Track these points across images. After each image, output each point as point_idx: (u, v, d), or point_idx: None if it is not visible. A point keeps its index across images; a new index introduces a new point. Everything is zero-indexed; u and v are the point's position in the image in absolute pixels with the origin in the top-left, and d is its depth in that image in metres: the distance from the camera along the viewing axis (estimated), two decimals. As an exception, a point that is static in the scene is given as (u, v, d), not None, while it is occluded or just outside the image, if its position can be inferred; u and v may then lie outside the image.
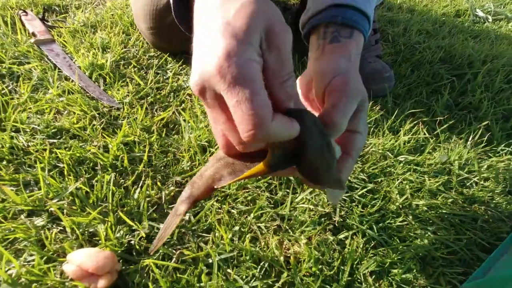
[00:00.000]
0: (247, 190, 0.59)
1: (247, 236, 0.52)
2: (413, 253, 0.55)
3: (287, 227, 0.55)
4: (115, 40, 0.82)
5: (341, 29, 0.37)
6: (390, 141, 0.73)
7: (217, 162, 0.29)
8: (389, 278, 0.52)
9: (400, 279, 0.52)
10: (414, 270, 0.54)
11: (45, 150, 0.56)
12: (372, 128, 0.77)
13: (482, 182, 0.70)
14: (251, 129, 0.21)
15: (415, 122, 0.80)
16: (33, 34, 0.77)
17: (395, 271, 0.53)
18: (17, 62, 0.71)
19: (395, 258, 0.54)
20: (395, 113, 0.80)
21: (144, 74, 0.77)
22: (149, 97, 0.72)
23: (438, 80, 0.96)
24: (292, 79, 0.24)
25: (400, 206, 0.62)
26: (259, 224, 0.54)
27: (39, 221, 0.49)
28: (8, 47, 0.72)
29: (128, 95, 0.70)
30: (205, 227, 0.53)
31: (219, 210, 0.55)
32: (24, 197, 0.50)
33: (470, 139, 0.78)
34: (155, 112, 0.69)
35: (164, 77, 0.78)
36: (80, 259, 0.44)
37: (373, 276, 0.52)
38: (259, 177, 0.24)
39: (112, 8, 0.95)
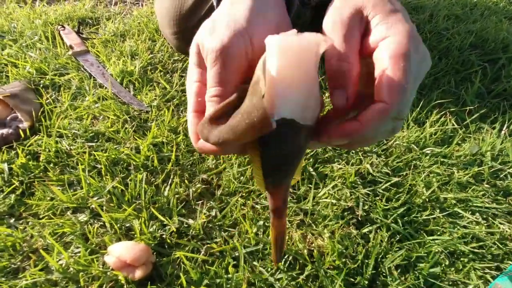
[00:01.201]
0: (270, 186, 0.60)
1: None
2: (441, 247, 0.54)
3: (310, 221, 0.56)
4: (142, 47, 0.87)
5: None
6: (415, 133, 0.72)
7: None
8: (416, 272, 0.52)
9: (427, 273, 0.52)
10: (443, 265, 0.54)
11: (85, 152, 0.61)
12: (397, 121, 0.76)
13: (517, 174, 0.66)
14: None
15: (442, 113, 0.77)
16: (71, 47, 0.84)
17: (422, 265, 0.53)
18: (58, 73, 0.78)
19: (422, 252, 0.54)
20: (421, 104, 0.78)
21: (170, 78, 0.82)
22: (175, 99, 0.75)
23: (468, 67, 0.91)
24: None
25: (427, 200, 0.61)
26: (282, 219, 0.56)
27: (82, 217, 0.54)
28: (50, 60, 0.79)
29: (155, 99, 0.74)
30: (231, 222, 0.56)
31: (243, 207, 0.58)
32: (69, 195, 0.55)
33: (504, 128, 0.74)
34: (181, 114, 0.73)
35: (188, 80, 0.82)
36: (119, 251, 0.48)
37: (399, 270, 0.52)
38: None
39: (139, 17, 1.00)
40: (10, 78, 0.74)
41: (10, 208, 0.54)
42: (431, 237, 0.56)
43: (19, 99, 0.67)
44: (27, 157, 0.60)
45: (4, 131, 0.62)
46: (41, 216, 0.54)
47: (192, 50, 0.29)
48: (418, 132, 0.72)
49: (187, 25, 0.78)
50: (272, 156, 0.24)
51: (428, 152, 0.69)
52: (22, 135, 0.63)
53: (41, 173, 0.59)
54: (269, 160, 0.24)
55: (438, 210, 0.60)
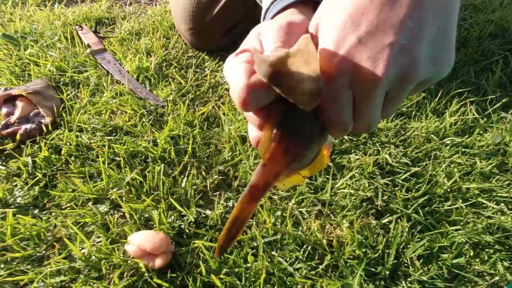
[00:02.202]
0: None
1: (289, 220, 0.53)
2: (465, 238, 0.53)
3: (329, 212, 0.56)
4: (157, 44, 0.88)
5: None
6: (434, 123, 0.70)
7: None
8: (439, 263, 0.51)
9: (450, 264, 0.50)
10: (467, 256, 0.52)
11: (104, 146, 0.63)
12: (414, 112, 0.74)
13: (544, 163, 0.64)
14: None
15: (462, 103, 0.75)
16: (88, 46, 0.86)
17: (445, 255, 0.51)
18: (77, 71, 0.80)
19: (445, 243, 0.52)
20: (439, 95, 0.76)
21: (184, 73, 0.83)
22: (190, 94, 0.76)
23: (488, 57, 0.88)
24: None
25: (448, 190, 0.60)
26: (300, 209, 0.56)
27: (103, 208, 0.55)
28: (69, 59, 0.82)
29: (171, 94, 0.75)
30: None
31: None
32: (90, 187, 0.57)
33: (528, 117, 0.72)
34: (196, 108, 0.74)
35: (203, 75, 0.83)
36: (139, 241, 0.48)
37: (421, 260, 0.51)
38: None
39: (153, 16, 1.02)
40: (32, 76, 0.77)
41: (34, 199, 0.56)
42: (453, 228, 0.54)
43: (42, 96, 0.69)
44: (50, 150, 0.62)
45: (28, 126, 0.64)
46: (63, 207, 0.55)
47: (252, 35, 0.27)
48: (437, 123, 0.70)
49: (202, 21, 0.79)
50: (291, 131, 0.23)
51: (448, 142, 0.67)
52: (45, 130, 0.65)
53: (63, 166, 0.60)
54: (288, 131, 0.23)
55: (460, 201, 0.58)
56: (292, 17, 0.26)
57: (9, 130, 0.63)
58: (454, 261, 0.50)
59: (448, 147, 0.66)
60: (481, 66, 0.86)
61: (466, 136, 0.68)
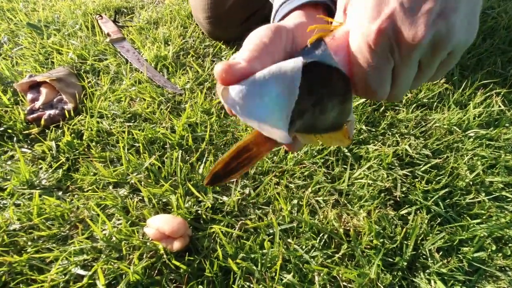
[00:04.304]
0: (304, 166, 0.60)
1: (306, 209, 0.53)
2: (487, 232, 0.51)
3: (345, 202, 0.55)
4: (175, 33, 0.89)
5: None
6: (457, 115, 0.68)
7: None
8: (459, 256, 0.49)
9: (472, 258, 0.49)
10: (489, 250, 0.51)
11: (124, 132, 0.64)
12: (436, 103, 0.72)
13: None
14: None
15: (487, 94, 0.72)
16: (108, 34, 0.87)
17: (466, 249, 0.50)
18: (97, 59, 0.82)
19: (466, 236, 0.51)
20: (463, 86, 0.74)
21: (202, 62, 0.83)
22: (207, 82, 0.76)
23: (516, 47, 0.85)
24: None
25: (471, 183, 0.58)
26: (317, 198, 0.56)
27: (123, 192, 0.57)
28: (90, 47, 0.83)
29: (188, 82, 0.76)
30: (264, 200, 0.56)
31: (277, 186, 0.58)
32: (111, 171, 0.58)
33: (559, 110, 0.69)
34: (214, 96, 0.74)
35: (220, 64, 0.83)
36: (158, 224, 0.49)
37: (440, 253, 0.50)
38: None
39: (170, 5, 1.02)
40: (55, 64, 0.79)
41: (58, 182, 0.58)
42: (475, 221, 0.53)
43: (64, 82, 0.71)
44: (72, 135, 0.64)
45: (52, 111, 0.66)
46: (85, 190, 0.57)
47: None
48: (460, 114, 0.68)
49: (221, 10, 0.79)
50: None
51: (472, 134, 0.65)
52: (67, 116, 0.67)
53: (84, 150, 0.62)
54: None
55: (483, 194, 0.56)
56: (284, 22, 0.27)
57: (34, 115, 0.65)
58: (475, 254, 0.49)
59: (471, 139, 0.64)
60: (508, 56, 0.83)
61: (491, 128, 0.66)
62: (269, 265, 0.48)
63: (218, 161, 0.24)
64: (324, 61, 0.22)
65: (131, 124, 0.66)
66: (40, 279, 0.46)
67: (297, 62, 0.21)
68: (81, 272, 0.47)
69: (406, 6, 0.20)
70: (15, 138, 0.64)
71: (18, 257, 0.47)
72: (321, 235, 0.51)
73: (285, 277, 0.46)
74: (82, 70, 0.79)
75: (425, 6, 0.19)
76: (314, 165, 0.60)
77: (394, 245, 0.50)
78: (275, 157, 0.61)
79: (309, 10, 0.31)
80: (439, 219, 0.53)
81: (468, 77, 0.77)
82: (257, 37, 0.25)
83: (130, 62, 0.80)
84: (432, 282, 0.47)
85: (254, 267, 0.47)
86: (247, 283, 0.46)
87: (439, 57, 0.22)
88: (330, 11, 0.32)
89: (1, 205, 0.54)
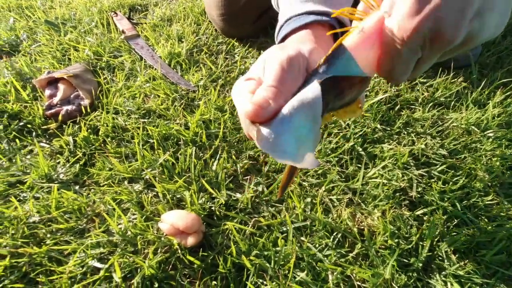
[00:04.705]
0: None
1: (319, 207, 0.53)
2: (506, 234, 0.50)
3: (359, 201, 0.55)
4: (188, 30, 0.89)
5: None
6: (475, 114, 0.66)
7: None
8: (477, 258, 0.48)
9: (490, 260, 0.48)
10: (508, 253, 0.49)
11: (138, 128, 0.65)
12: (453, 102, 0.71)
13: None
14: None
15: (507, 93, 0.70)
16: (123, 32, 0.88)
17: (484, 251, 0.49)
18: (112, 56, 0.83)
19: (484, 238, 0.50)
20: (482, 85, 0.72)
21: (215, 59, 0.83)
22: (220, 79, 0.77)
23: (538, 45, 0.82)
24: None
25: (489, 184, 0.57)
26: (330, 197, 0.55)
27: (137, 187, 0.58)
28: (105, 44, 0.85)
29: (202, 79, 0.76)
30: (278, 198, 0.56)
31: (291, 184, 0.57)
32: (126, 166, 0.59)
33: None
34: (227, 93, 0.74)
35: (233, 61, 0.83)
36: (172, 219, 0.50)
37: (457, 255, 0.49)
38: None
39: (184, 2, 1.03)
40: (72, 61, 0.80)
41: (75, 176, 0.59)
42: (494, 223, 0.51)
43: (81, 79, 0.72)
44: (88, 131, 0.65)
45: (69, 107, 0.67)
46: (101, 184, 0.58)
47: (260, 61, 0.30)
48: (479, 114, 0.66)
49: (234, 7, 0.79)
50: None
51: (491, 134, 0.63)
52: (84, 111, 0.68)
53: (100, 146, 0.63)
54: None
55: (502, 196, 0.55)
56: (299, 46, 0.28)
57: (53, 110, 0.66)
58: (494, 257, 0.48)
59: (490, 139, 0.63)
60: (530, 54, 0.80)
61: (511, 129, 0.64)
62: (282, 262, 0.48)
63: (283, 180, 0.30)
64: (341, 73, 0.24)
65: (145, 120, 0.67)
66: (59, 271, 0.47)
67: (315, 89, 0.23)
68: (98, 265, 0.48)
69: (446, 5, 0.19)
70: (34, 133, 0.65)
71: (37, 249, 0.48)
72: (334, 234, 0.51)
73: (299, 275, 0.46)
74: (98, 67, 0.80)
75: (463, 4, 0.19)
76: (328, 164, 0.60)
77: (409, 246, 0.49)
78: (288, 155, 0.61)
79: (316, 28, 0.31)
80: (455, 220, 0.52)
81: (488, 76, 0.75)
82: (276, 63, 0.26)
83: (144, 59, 0.81)
84: (449, 284, 0.46)
85: (268, 264, 0.47)
86: (260, 280, 0.46)
87: (462, 51, 0.22)
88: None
89: (21, 198, 0.55)
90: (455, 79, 0.75)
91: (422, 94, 0.73)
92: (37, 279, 0.47)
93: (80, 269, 0.47)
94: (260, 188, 0.57)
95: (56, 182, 0.58)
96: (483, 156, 0.60)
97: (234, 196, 0.56)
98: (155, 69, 0.78)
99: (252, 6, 0.82)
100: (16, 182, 0.57)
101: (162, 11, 0.99)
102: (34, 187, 0.56)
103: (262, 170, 0.60)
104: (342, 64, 0.24)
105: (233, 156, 0.61)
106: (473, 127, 0.65)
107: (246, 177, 0.59)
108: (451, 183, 0.56)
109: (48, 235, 0.51)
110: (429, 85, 0.75)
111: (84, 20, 0.93)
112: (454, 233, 0.51)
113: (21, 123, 0.66)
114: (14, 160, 0.60)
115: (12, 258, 0.48)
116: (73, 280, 0.47)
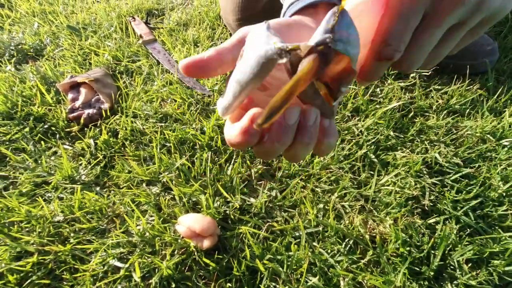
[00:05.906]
0: (330, 170, 0.61)
1: (332, 213, 0.54)
2: (520, 245, 0.50)
3: (372, 208, 0.56)
4: (203, 35, 0.91)
5: None
6: (490, 123, 0.66)
7: None
8: (489, 269, 0.49)
9: (502, 271, 0.48)
10: (521, 264, 0.49)
11: (156, 132, 0.67)
12: (468, 110, 0.70)
13: None
14: None
15: (525, 101, 0.69)
16: (140, 36, 0.91)
17: (497, 262, 0.49)
18: (130, 60, 0.85)
19: (497, 249, 0.50)
20: (498, 92, 0.71)
21: (230, 65, 0.85)
22: (235, 85, 0.78)
23: (558, 52, 0.80)
24: None
25: (504, 194, 0.56)
26: (342, 203, 0.56)
27: (155, 189, 0.60)
28: (124, 49, 0.87)
29: (217, 84, 0.78)
30: (291, 203, 0.57)
31: (303, 189, 0.59)
32: (144, 169, 0.61)
33: None
34: (241, 99, 0.76)
35: (247, 66, 0.84)
36: (189, 222, 0.52)
37: (469, 264, 0.49)
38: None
39: (199, 7, 1.05)
40: (92, 65, 0.83)
41: (96, 178, 0.62)
42: (508, 234, 0.51)
43: (101, 83, 0.75)
44: (109, 134, 0.67)
45: (90, 111, 0.70)
46: (121, 186, 0.61)
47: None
48: (495, 122, 0.66)
49: (251, 12, 0.80)
50: None
51: (507, 143, 0.63)
52: (104, 115, 0.70)
53: (120, 149, 0.66)
54: None
55: (517, 206, 0.55)
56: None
57: (75, 114, 0.69)
58: (507, 268, 0.48)
59: (505, 148, 0.62)
60: (549, 61, 0.79)
61: (528, 138, 0.64)
62: (295, 267, 0.49)
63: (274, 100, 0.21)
64: (344, 28, 0.21)
65: (162, 124, 0.69)
66: (82, 269, 0.49)
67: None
68: (118, 264, 0.50)
69: None
70: (57, 135, 0.68)
71: (62, 247, 0.51)
72: (346, 240, 0.52)
73: (311, 280, 0.47)
74: (117, 71, 0.83)
75: None
76: (340, 170, 0.61)
77: (421, 254, 0.49)
78: (301, 161, 0.62)
79: (309, 12, 0.30)
80: (468, 230, 0.53)
81: (504, 83, 0.74)
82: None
83: (161, 63, 0.84)
84: (460, 293, 0.46)
85: (281, 269, 0.49)
86: (274, 284, 0.48)
87: (472, 23, 0.22)
88: None
89: (47, 198, 0.58)
90: (471, 86, 0.74)
91: (437, 101, 0.72)
92: (62, 276, 0.49)
93: (102, 267, 0.50)
94: (273, 193, 0.59)
95: (78, 183, 0.61)
96: (498, 165, 0.60)
97: (248, 201, 0.58)
98: (172, 73, 0.80)
99: (268, 12, 0.83)
100: (42, 183, 0.60)
101: (178, 15, 1.01)
102: (59, 188, 0.59)
103: (276, 175, 0.61)
104: (347, 21, 0.21)
105: (248, 161, 0.63)
106: (488, 135, 0.64)
107: (260, 182, 0.60)
108: (464, 192, 0.57)
109: (72, 234, 0.53)
110: (443, 92, 0.74)
111: (104, 25, 0.96)
112: (467, 243, 0.51)
113: (46, 126, 0.69)
114: (39, 161, 0.63)
115: (39, 255, 0.51)
116: (95, 278, 0.49)
